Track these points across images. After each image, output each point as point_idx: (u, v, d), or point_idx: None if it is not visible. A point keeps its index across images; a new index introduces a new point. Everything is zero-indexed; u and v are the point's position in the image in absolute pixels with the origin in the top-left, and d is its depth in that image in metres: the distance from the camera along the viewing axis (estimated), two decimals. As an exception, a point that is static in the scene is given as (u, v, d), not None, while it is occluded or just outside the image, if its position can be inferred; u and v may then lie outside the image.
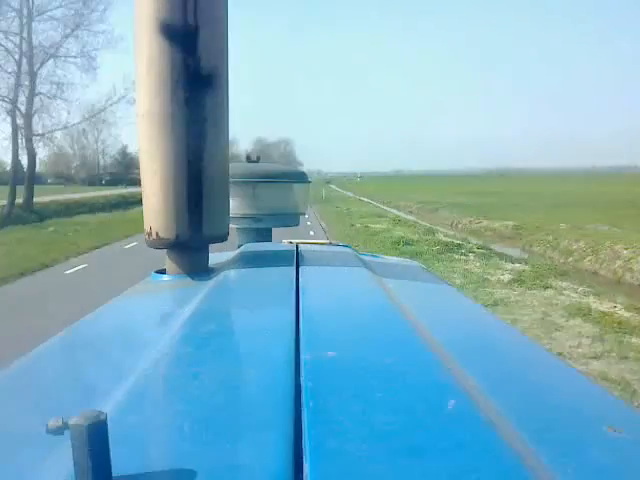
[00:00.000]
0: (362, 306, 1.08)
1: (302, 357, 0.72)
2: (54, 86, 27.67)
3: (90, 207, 36.32)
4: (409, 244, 15.36)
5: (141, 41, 1.20)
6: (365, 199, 47.16)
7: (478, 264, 12.30)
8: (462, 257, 13.41)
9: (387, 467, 0.50)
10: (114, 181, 78.88)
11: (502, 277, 10.66)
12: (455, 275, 10.70)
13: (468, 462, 0.52)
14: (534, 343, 1.10)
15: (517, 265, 12.29)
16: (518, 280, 10.21)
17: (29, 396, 0.75)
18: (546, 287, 9.81)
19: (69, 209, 32.99)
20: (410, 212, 34.97)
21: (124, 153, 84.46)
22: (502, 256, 13.64)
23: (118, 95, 29.85)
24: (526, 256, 14.97)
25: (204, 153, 1.23)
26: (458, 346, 0.85)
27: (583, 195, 39.70)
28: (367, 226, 21.84)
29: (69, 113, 29.06)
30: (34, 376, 0.83)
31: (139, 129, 1.23)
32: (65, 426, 0.47)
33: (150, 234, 1.27)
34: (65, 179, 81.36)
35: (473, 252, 14.23)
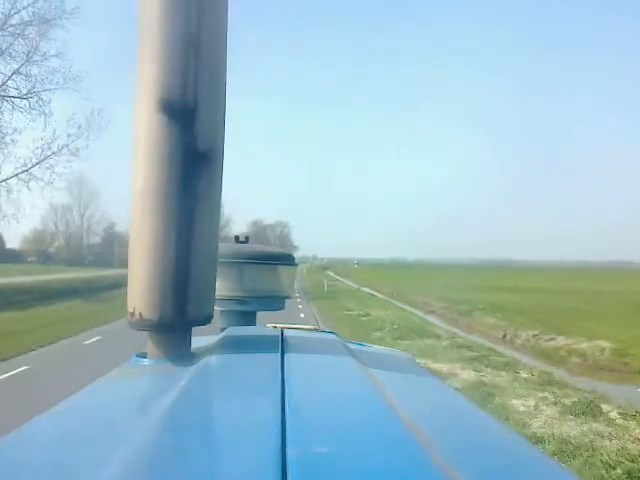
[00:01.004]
0: (351, 400, 1.07)
1: (288, 454, 0.70)
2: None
3: (37, 294, 29.10)
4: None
5: (140, 118, 1.22)
6: (376, 293, 39.83)
7: None
8: None
9: None
10: (98, 261, 72.83)
11: None
12: None
13: None
14: (531, 445, 1.06)
15: None
16: None
17: None
18: None
19: (3, 297, 25.79)
20: (432, 312, 27.50)
21: (109, 231, 78.93)
22: None
23: (59, 143, 23.43)
24: None
25: (194, 233, 1.22)
26: (451, 445, 0.84)
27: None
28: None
29: None
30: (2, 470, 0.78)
31: (133, 207, 1.23)
32: None
33: (133, 314, 1.25)
34: (46, 258, 75.46)
35: None
